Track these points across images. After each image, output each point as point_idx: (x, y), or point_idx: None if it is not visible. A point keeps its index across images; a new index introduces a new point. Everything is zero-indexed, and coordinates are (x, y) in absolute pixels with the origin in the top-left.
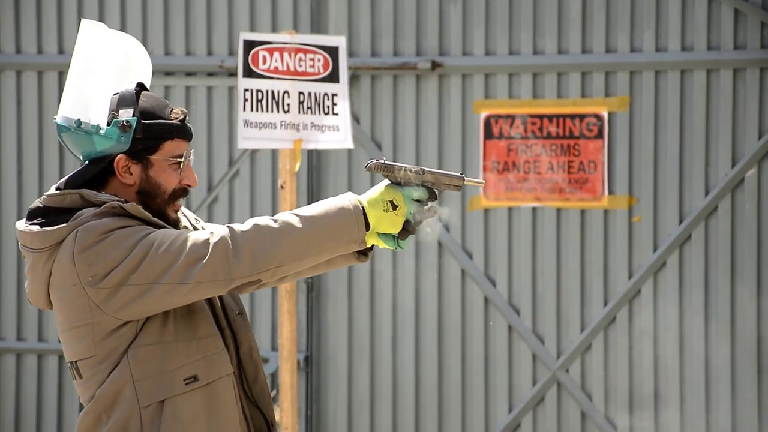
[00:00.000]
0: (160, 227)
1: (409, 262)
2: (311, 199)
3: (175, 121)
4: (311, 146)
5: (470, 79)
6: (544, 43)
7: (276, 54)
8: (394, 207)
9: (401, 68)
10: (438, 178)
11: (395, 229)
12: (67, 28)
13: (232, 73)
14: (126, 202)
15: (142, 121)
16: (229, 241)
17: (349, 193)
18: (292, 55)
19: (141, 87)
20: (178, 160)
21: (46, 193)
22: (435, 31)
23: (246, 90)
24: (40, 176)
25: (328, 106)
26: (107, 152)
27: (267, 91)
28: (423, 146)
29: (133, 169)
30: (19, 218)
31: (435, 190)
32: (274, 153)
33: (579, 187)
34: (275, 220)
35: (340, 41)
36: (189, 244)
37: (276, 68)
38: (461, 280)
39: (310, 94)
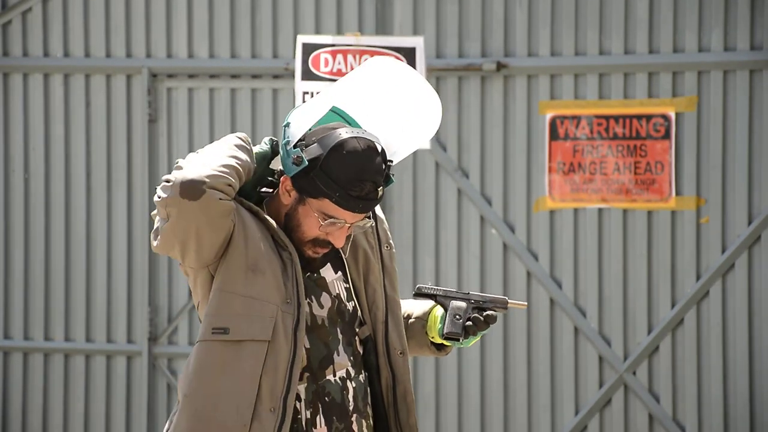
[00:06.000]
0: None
1: (474, 263)
2: None
3: (342, 192)
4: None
5: (536, 79)
6: (610, 43)
7: (339, 56)
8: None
9: (466, 69)
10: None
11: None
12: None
13: None
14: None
15: (321, 169)
16: None
17: None
18: (357, 57)
19: (370, 144)
20: (329, 220)
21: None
22: (500, 32)
23: (305, 93)
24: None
25: None
26: (282, 165)
27: None
28: (488, 148)
29: (292, 194)
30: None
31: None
32: None
33: (646, 188)
34: None
35: (417, 42)
36: None
37: (339, 71)
38: (527, 281)
39: None
